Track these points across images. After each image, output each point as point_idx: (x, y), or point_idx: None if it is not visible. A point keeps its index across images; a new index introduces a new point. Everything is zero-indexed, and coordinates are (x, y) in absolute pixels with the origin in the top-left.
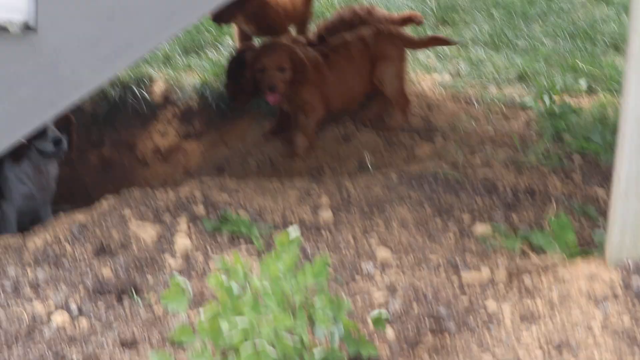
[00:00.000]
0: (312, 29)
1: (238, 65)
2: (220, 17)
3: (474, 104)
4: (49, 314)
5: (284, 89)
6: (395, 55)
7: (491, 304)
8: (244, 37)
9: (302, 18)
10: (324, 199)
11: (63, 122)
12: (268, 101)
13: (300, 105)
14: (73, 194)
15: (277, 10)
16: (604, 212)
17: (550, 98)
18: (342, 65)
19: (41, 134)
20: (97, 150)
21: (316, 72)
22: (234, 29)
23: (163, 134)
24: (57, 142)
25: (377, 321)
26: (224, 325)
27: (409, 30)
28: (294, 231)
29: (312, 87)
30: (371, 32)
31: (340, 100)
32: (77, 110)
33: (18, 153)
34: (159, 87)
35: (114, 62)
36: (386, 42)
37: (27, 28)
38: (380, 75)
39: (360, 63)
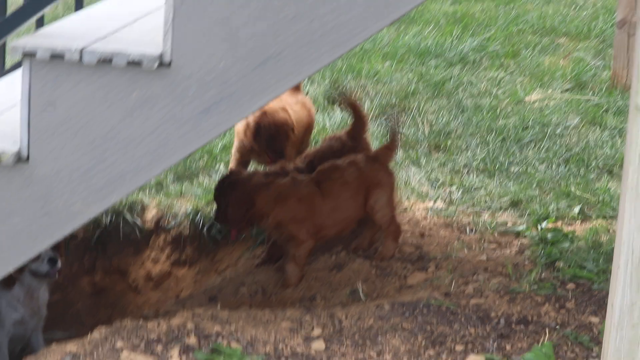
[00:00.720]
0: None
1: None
2: None
3: (467, 232)
4: None
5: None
6: (387, 182)
7: None
8: (242, 162)
9: (300, 146)
10: (316, 330)
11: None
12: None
13: (289, 239)
14: (65, 321)
15: (291, 137)
16: (598, 341)
17: (544, 225)
18: (335, 192)
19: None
20: (89, 276)
21: (306, 203)
22: (233, 152)
23: (155, 261)
24: (51, 262)
25: None
26: None
27: None
28: None
29: (299, 220)
30: (364, 158)
31: (332, 228)
32: (69, 236)
33: (10, 278)
34: (151, 214)
35: (108, 194)
36: (379, 168)
37: (19, 159)
38: (373, 202)
39: (353, 189)
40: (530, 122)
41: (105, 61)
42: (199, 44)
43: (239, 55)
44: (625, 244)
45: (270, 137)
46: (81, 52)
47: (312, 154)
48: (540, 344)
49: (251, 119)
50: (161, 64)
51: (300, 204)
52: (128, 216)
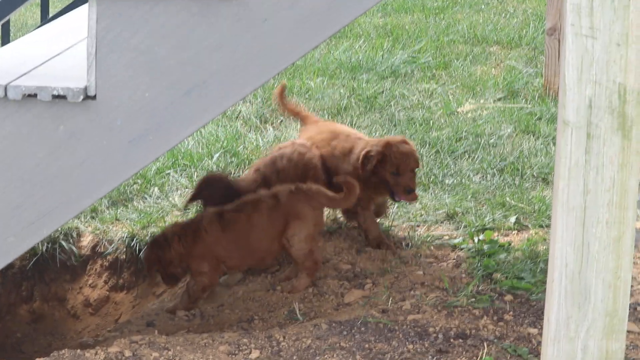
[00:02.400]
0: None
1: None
2: None
3: (403, 246)
4: None
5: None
6: (309, 215)
7: None
8: None
9: None
10: (254, 353)
11: None
12: None
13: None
14: (5, 350)
15: None
16: (537, 352)
17: (480, 237)
18: (242, 225)
19: None
20: (27, 304)
21: (204, 237)
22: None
23: (93, 286)
24: None
25: None
26: None
27: None
28: None
29: (198, 255)
30: (286, 190)
31: (242, 260)
32: (6, 266)
33: None
34: (87, 240)
35: (40, 227)
36: (302, 200)
37: None
38: (289, 235)
39: (267, 222)
40: (463, 133)
41: (30, 96)
42: (124, 75)
43: (164, 85)
44: (559, 258)
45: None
46: (5, 87)
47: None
48: (479, 359)
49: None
50: (86, 97)
51: (197, 239)
52: (64, 243)
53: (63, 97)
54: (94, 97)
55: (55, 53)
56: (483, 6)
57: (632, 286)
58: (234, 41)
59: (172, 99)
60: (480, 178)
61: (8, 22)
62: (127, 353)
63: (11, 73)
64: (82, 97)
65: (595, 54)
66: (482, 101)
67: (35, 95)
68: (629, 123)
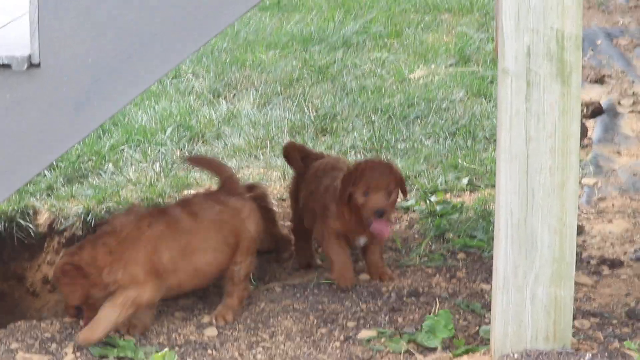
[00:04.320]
0: None
1: None
2: None
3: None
4: None
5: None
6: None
7: None
8: None
9: None
10: (208, 317)
11: None
12: None
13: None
14: None
15: None
16: (490, 307)
17: (431, 198)
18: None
19: None
20: None
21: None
22: None
23: (51, 264)
24: None
25: None
26: None
27: None
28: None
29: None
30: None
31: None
32: None
33: None
34: (43, 217)
35: None
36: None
37: None
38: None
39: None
40: (415, 98)
41: None
42: (66, 41)
43: (106, 49)
44: (504, 206)
45: None
46: None
47: None
48: (432, 314)
49: None
50: (31, 65)
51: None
52: (21, 221)
53: (8, 66)
54: (38, 65)
55: (1, 24)
56: None
57: (585, 240)
58: (173, 2)
59: (115, 63)
60: (432, 142)
61: None
62: (82, 322)
63: None
64: (26, 66)
65: (531, 1)
66: (433, 67)
67: None
68: (568, 69)
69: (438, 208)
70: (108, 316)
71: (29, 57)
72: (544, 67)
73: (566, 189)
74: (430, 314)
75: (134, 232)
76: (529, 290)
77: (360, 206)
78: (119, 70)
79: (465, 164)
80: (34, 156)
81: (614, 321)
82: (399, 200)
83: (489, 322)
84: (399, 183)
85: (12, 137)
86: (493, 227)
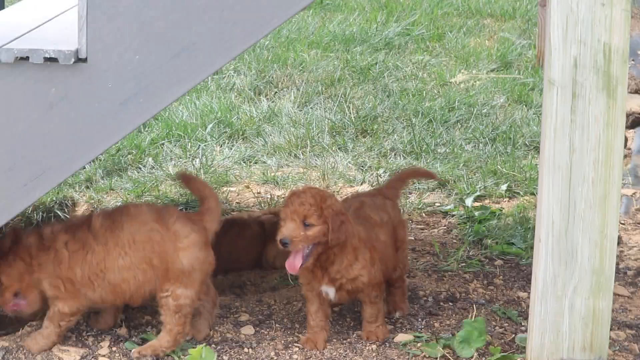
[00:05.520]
0: None
1: None
2: None
3: None
4: None
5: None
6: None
7: None
8: None
9: None
10: (245, 315)
11: None
12: None
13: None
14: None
15: None
16: (526, 315)
17: (471, 203)
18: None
19: None
20: None
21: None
22: None
23: None
24: None
25: None
26: None
27: None
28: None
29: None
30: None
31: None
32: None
33: None
34: (81, 209)
35: (31, 189)
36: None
37: None
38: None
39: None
40: (456, 103)
41: (23, 59)
42: (114, 38)
43: (153, 47)
44: (545, 216)
45: None
46: None
47: None
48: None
49: None
50: (78, 60)
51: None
52: (59, 212)
53: (55, 59)
54: (85, 60)
55: (47, 18)
56: None
57: (622, 251)
58: (221, 3)
59: (162, 61)
60: (472, 147)
61: None
62: (120, 316)
63: (4, 37)
64: (73, 60)
65: (580, 13)
66: (475, 72)
67: (27, 58)
68: (614, 82)
69: (476, 213)
70: (42, 331)
71: (76, 51)
72: (590, 79)
73: (608, 202)
74: (466, 318)
75: (51, 248)
76: (568, 301)
77: None
78: (165, 69)
79: (504, 170)
80: (78, 150)
81: None
82: (436, 204)
83: (526, 330)
84: (330, 217)
85: (57, 131)
86: (531, 234)
